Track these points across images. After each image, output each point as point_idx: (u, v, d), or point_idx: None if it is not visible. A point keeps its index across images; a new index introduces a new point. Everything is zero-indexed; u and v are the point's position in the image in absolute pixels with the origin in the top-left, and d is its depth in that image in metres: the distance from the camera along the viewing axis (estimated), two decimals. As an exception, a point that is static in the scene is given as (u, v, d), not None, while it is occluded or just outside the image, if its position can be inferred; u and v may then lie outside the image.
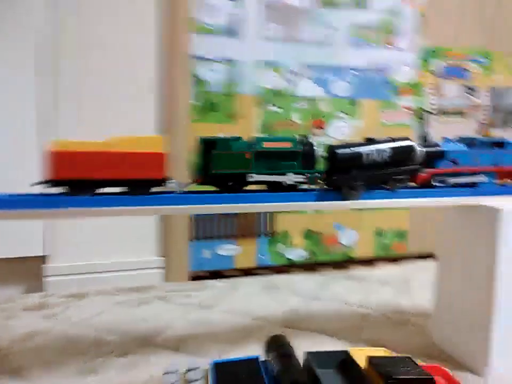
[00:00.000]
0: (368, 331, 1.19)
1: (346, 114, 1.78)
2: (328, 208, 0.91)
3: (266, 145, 0.88)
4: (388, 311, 1.35)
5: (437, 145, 0.96)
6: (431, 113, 1.92)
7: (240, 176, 0.87)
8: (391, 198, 0.93)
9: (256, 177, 0.88)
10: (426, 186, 0.96)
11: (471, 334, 0.98)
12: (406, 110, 1.85)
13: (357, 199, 0.90)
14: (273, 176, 0.88)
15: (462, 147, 0.97)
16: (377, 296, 1.49)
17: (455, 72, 1.93)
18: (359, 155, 0.89)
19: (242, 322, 1.26)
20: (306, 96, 1.73)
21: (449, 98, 1.93)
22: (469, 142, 0.98)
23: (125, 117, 1.54)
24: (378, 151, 0.90)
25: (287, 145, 0.89)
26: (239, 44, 1.65)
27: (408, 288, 1.57)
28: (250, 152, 0.87)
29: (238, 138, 0.90)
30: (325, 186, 0.90)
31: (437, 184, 0.95)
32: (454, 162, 0.94)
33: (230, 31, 1.64)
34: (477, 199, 0.96)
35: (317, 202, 0.90)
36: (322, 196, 0.90)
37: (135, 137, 0.82)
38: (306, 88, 1.72)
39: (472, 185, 0.97)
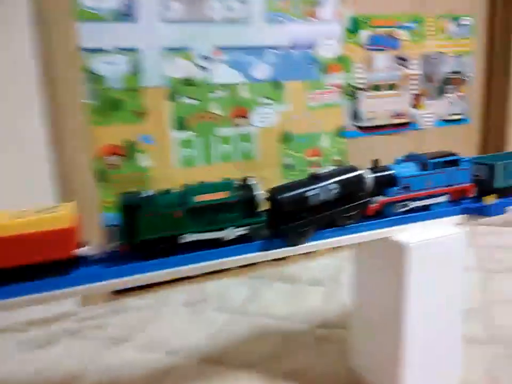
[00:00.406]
0: (289, 358, 1.21)
1: (271, 99, 1.69)
2: (275, 257, 0.88)
3: (198, 199, 0.82)
4: (314, 323, 1.37)
5: (386, 169, 0.94)
6: (361, 89, 1.89)
7: (172, 238, 0.80)
8: (341, 235, 0.90)
9: (190, 238, 0.81)
10: (376, 216, 0.94)
11: (383, 364, 1.00)
12: (334, 88, 1.80)
13: (304, 242, 0.87)
14: (210, 233, 0.83)
15: (413, 170, 0.95)
16: (306, 303, 1.50)
17: (384, 42, 1.88)
18: (303, 198, 0.84)
19: (156, 361, 1.23)
20: (223, 83, 1.61)
21: (379, 71, 1.89)
22: (419, 161, 0.96)
23: (4, 131, 1.38)
24: (324, 189, 0.86)
25: (222, 195, 0.83)
26: (137, 29, 1.47)
27: (341, 286, 1.58)
28: (181, 211, 0.80)
29: (167, 192, 0.82)
30: (270, 234, 0.86)
31: (388, 212, 0.94)
32: (406, 188, 0.93)
33: (124, 15, 1.45)
34: (404, 227, 0.95)
35: (262, 253, 0.85)
36: (267, 245, 0.85)
37: (28, 215, 0.71)
38: (223, 74, 1.60)
39: (425, 209, 0.97)
